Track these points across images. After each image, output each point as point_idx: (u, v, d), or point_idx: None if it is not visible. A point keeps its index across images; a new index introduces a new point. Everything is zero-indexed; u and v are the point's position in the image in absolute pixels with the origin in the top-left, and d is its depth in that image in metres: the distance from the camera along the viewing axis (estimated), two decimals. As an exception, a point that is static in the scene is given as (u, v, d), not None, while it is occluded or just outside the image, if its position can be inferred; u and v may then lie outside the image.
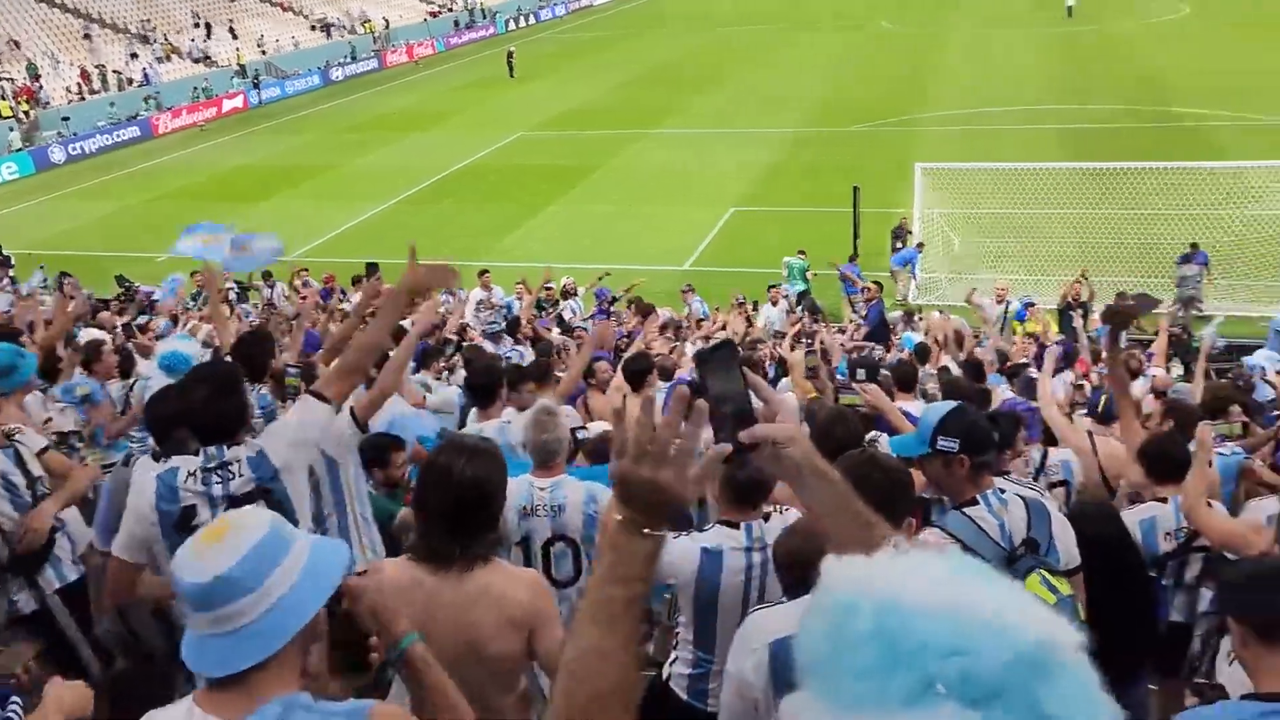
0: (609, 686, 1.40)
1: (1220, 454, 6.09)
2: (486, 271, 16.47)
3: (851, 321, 16.53)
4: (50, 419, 6.18)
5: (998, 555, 3.17)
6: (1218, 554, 4.58)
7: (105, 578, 3.78)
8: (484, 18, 61.54)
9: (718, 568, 3.57)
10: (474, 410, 6.28)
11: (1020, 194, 19.34)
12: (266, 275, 17.26)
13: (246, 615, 1.89)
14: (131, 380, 7.42)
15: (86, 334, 8.67)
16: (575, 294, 16.82)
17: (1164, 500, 4.84)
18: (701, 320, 15.31)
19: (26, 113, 37.15)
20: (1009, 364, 10.46)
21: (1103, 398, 6.62)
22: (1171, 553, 4.91)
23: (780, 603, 2.69)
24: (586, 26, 60.45)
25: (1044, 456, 5.80)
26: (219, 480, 3.52)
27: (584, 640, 1.42)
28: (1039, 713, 0.91)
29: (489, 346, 11.67)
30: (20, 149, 34.97)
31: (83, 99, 39.53)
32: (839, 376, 7.24)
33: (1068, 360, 10.05)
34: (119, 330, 11.85)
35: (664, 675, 3.77)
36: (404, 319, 5.76)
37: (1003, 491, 3.36)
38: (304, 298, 16.11)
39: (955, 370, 9.10)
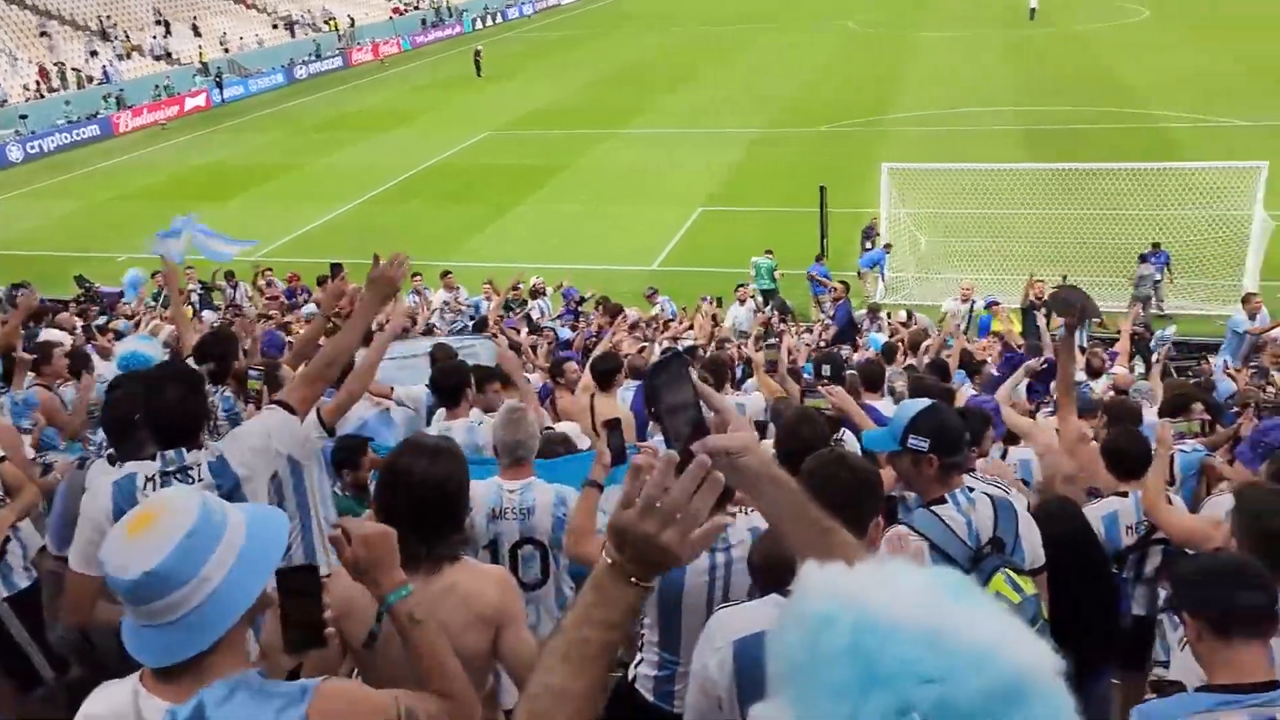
0: None
1: (1182, 451, 6.20)
2: (449, 273, 16.42)
3: (819, 321, 16.63)
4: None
5: (964, 554, 3.19)
6: (1177, 548, 4.65)
7: (59, 584, 3.69)
8: (450, 16, 61.26)
9: (681, 569, 3.55)
10: (441, 410, 6.24)
11: (986, 194, 19.53)
12: (229, 275, 17.08)
13: (184, 606, 1.83)
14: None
15: (46, 335, 8.53)
16: (544, 294, 16.80)
17: (1124, 495, 4.91)
18: (669, 321, 15.33)
19: (-17, 110, 36.58)
20: (973, 361, 10.57)
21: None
22: (1132, 546, 5.00)
23: (745, 601, 2.69)
24: (554, 26, 60.33)
25: (1004, 455, 5.86)
26: (178, 484, 3.43)
27: (551, 676, 1.40)
28: None
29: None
30: (-23, 147, 34.41)
31: (42, 97, 38.93)
32: (805, 377, 7.26)
33: (1048, 375, 9.62)
34: (79, 331, 11.67)
35: (630, 677, 3.76)
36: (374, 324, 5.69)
37: (971, 490, 3.38)
38: (271, 297, 15.97)
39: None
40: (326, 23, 53.91)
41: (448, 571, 2.87)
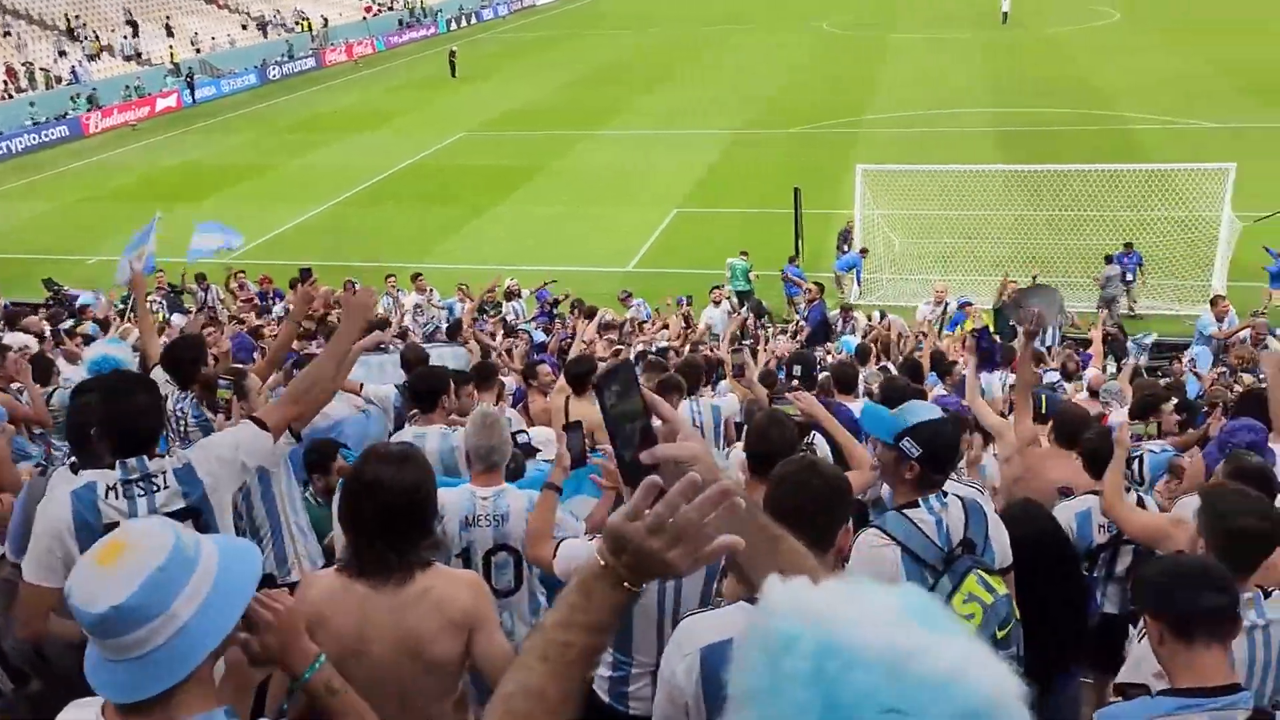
0: None
1: (1151, 452, 6.27)
2: (420, 275, 16.36)
3: (794, 322, 16.67)
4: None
5: (936, 555, 3.21)
6: (1148, 548, 4.70)
7: (14, 592, 3.60)
8: (425, 17, 61.02)
9: None
10: (413, 414, 6.19)
11: (959, 195, 19.68)
12: (200, 278, 16.90)
13: (152, 641, 1.76)
14: (52, 388, 7.19)
15: (10, 339, 8.43)
16: (519, 296, 16.77)
17: (1098, 493, 4.96)
18: (643, 322, 15.32)
19: (-51, 111, 36.06)
20: (945, 362, 10.63)
21: (1043, 396, 6.74)
22: (1103, 545, 5.05)
23: (713, 608, 2.69)
24: (529, 26, 60.21)
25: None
26: (142, 493, 3.38)
27: (528, 677, 1.38)
28: None
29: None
30: (-58, 149, 33.93)
31: (10, 97, 38.42)
32: (779, 380, 7.28)
33: (989, 359, 10.26)
34: (48, 335, 11.53)
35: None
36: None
37: (945, 494, 3.39)
38: (245, 300, 15.83)
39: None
40: (297, 23, 53.54)
41: (420, 578, 2.86)
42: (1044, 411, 6.38)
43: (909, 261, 19.07)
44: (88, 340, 10.68)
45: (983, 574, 3.16)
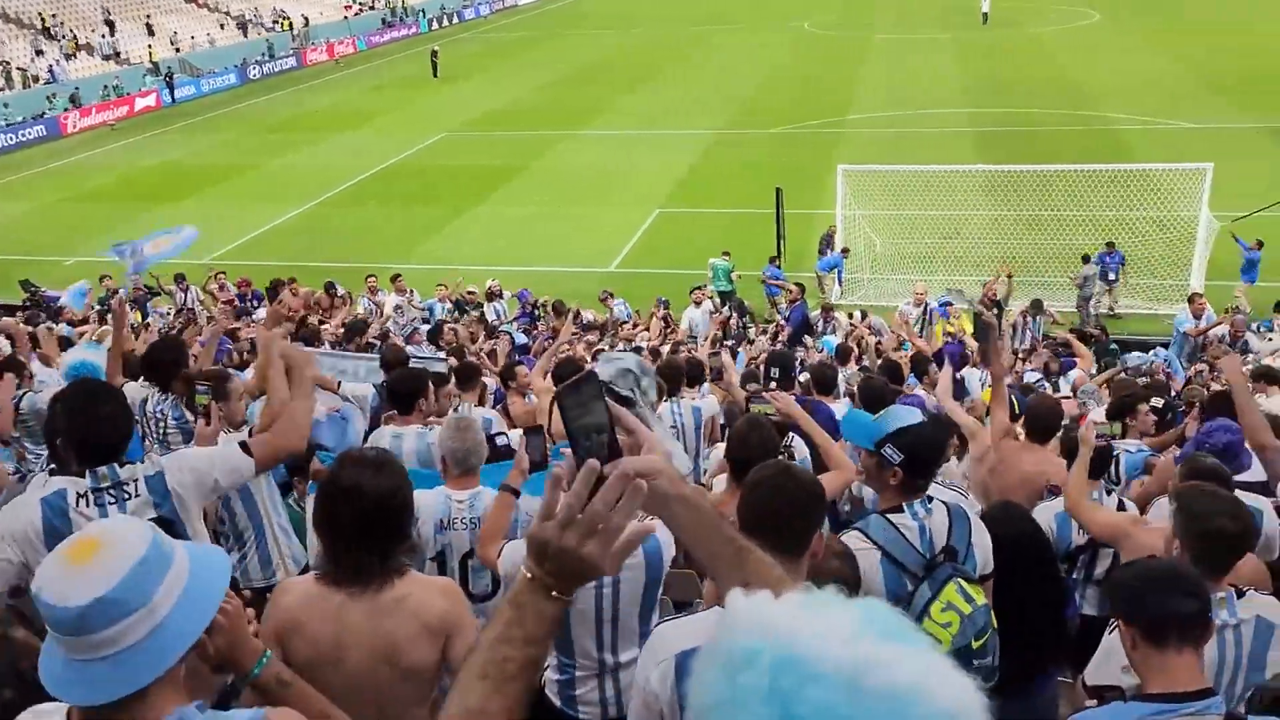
0: None
1: (1128, 452, 6.30)
2: (399, 276, 16.32)
3: (774, 323, 16.70)
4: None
5: (918, 562, 3.21)
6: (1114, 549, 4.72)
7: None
8: (407, 16, 60.82)
9: None
10: (389, 414, 6.15)
11: (940, 195, 19.75)
12: (179, 278, 16.79)
13: (127, 638, 1.73)
14: (22, 391, 7.09)
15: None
16: (500, 296, 16.74)
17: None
18: (623, 323, 15.31)
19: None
20: (924, 362, 10.68)
21: (1013, 398, 6.79)
22: (1082, 546, 5.06)
23: (687, 614, 2.69)
24: (511, 26, 60.11)
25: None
26: (113, 501, 3.35)
27: (467, 698, 1.36)
28: None
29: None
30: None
31: (-15, 96, 38.08)
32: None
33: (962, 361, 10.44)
34: (26, 338, 11.38)
35: (539, 680, 3.75)
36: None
37: (930, 500, 3.39)
38: (225, 301, 15.74)
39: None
40: (276, 23, 53.25)
41: (397, 584, 2.86)
42: (1017, 412, 6.43)
43: (890, 261, 19.13)
44: (65, 344, 10.55)
45: (963, 583, 3.16)
